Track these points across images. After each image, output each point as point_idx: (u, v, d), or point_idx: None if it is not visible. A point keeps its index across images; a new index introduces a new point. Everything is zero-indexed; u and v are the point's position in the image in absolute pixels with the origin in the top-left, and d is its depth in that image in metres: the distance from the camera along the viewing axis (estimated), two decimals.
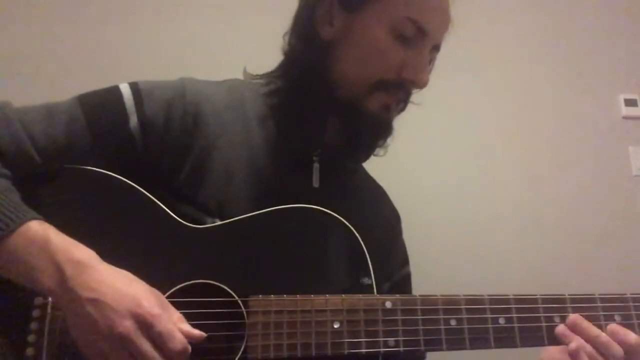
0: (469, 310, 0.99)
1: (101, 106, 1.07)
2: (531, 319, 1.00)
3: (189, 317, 0.93)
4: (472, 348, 0.98)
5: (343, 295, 1.00)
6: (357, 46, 1.10)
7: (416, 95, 1.17)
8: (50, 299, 0.94)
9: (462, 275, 1.88)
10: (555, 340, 1.00)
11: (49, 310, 0.94)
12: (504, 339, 0.99)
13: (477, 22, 2.09)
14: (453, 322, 0.99)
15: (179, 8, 1.95)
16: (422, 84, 1.12)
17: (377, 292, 1.04)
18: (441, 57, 1.20)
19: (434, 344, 0.98)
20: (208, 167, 1.09)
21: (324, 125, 1.16)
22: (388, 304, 1.00)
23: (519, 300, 1.01)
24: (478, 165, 2.10)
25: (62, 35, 1.83)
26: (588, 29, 2.36)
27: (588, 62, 2.33)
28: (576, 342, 0.97)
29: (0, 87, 1.67)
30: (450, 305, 1.00)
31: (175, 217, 1.03)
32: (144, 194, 1.03)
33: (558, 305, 1.01)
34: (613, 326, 1.00)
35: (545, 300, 1.01)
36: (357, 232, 1.06)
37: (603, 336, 0.97)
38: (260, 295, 0.99)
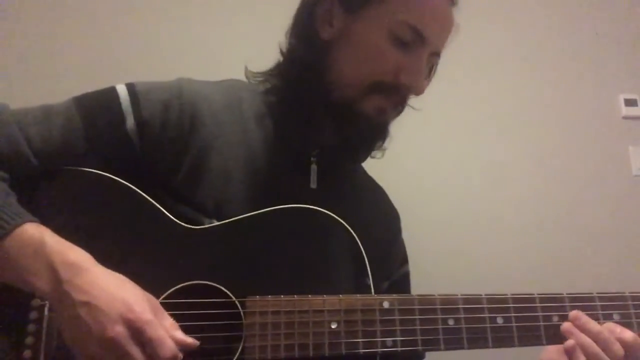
0: (466, 310, 0.99)
1: (97, 107, 1.07)
2: (529, 319, 1.00)
3: (186, 318, 0.94)
4: (469, 348, 0.97)
5: (341, 295, 1.00)
6: (355, 48, 1.10)
7: (417, 97, 1.16)
8: (47, 301, 0.94)
9: (462, 275, 1.87)
10: (553, 340, 1.00)
11: (46, 312, 0.94)
12: (502, 339, 0.99)
13: (477, 22, 2.09)
14: (451, 322, 0.99)
15: (179, 8, 1.94)
16: (417, 90, 1.11)
17: (376, 292, 1.04)
18: (442, 57, 1.18)
19: (432, 344, 0.98)
20: (205, 168, 1.09)
21: (321, 126, 1.15)
22: (386, 304, 0.99)
23: (517, 299, 1.01)
24: (478, 165, 2.09)
25: (62, 35, 1.82)
26: (588, 29, 2.35)
27: (588, 62, 2.32)
28: (573, 339, 0.97)
29: None
30: (448, 304, 1.00)
31: (172, 217, 1.03)
32: (141, 195, 1.03)
33: (556, 304, 1.01)
34: (610, 324, 0.99)
35: (543, 300, 1.01)
36: (355, 232, 1.06)
37: (605, 333, 0.97)
38: (258, 296, 0.98)
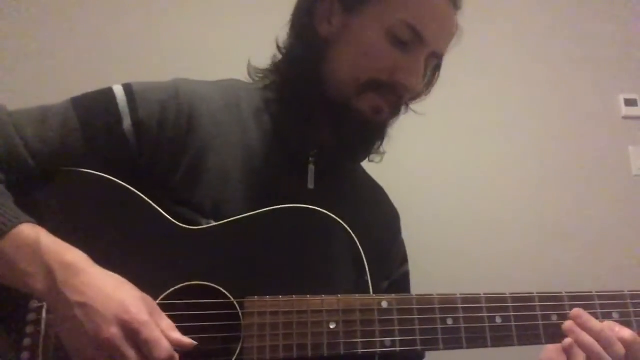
0: (465, 310, 0.99)
1: (94, 108, 1.07)
2: (528, 318, 1.00)
3: (184, 319, 0.94)
4: (468, 347, 0.97)
5: (339, 295, 0.99)
6: (352, 45, 1.10)
7: (418, 100, 1.17)
8: (45, 302, 0.94)
9: (462, 275, 1.87)
10: (553, 339, 1.00)
11: (44, 314, 0.94)
12: (501, 338, 0.99)
13: (477, 22, 2.08)
14: (450, 322, 0.98)
15: (178, 7, 1.95)
16: (412, 90, 1.11)
17: (375, 292, 1.04)
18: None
19: (431, 344, 0.97)
20: (203, 168, 1.08)
21: (319, 126, 1.15)
22: (384, 304, 0.99)
23: (516, 298, 1.01)
24: (478, 166, 2.09)
25: (60, 35, 1.83)
26: (588, 29, 2.35)
27: (588, 62, 2.33)
28: (574, 338, 0.97)
29: None
30: (447, 304, 0.99)
31: (170, 218, 1.03)
32: (139, 195, 1.03)
33: (555, 303, 1.01)
34: (609, 323, 0.99)
35: (543, 299, 1.00)
36: (354, 232, 1.06)
37: (607, 331, 0.97)
38: (256, 296, 0.98)
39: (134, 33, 1.89)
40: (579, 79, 2.30)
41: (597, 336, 0.96)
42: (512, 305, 1.00)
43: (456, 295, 1.00)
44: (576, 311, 1.00)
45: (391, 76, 1.08)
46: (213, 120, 1.12)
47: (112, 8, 1.89)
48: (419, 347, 0.97)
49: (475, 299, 1.00)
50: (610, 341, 0.96)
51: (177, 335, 0.88)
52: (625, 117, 2.31)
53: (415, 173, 2.00)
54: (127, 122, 1.06)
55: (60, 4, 1.85)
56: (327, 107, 1.12)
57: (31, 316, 0.94)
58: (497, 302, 1.00)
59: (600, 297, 1.01)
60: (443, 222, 1.99)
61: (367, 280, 1.04)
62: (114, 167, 1.04)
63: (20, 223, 0.90)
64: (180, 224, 1.03)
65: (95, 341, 0.82)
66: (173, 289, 0.98)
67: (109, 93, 1.08)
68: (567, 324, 0.99)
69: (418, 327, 0.98)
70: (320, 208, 1.06)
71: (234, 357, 0.95)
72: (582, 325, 0.98)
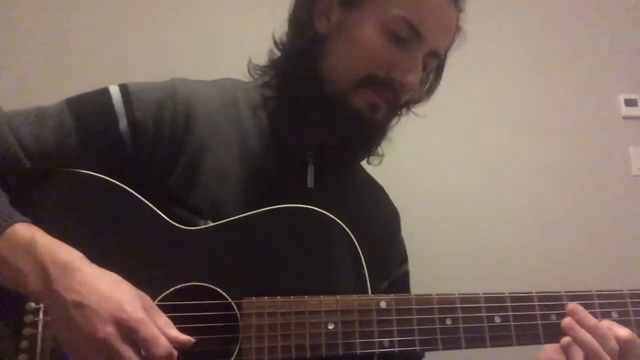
0: (464, 309, 0.99)
1: (90, 109, 1.06)
2: (527, 317, 1.00)
3: (182, 320, 0.93)
4: (467, 347, 0.97)
5: (337, 295, 0.99)
6: (349, 40, 1.09)
7: (418, 103, 1.17)
8: (42, 304, 0.93)
9: (462, 275, 1.87)
10: (552, 338, 0.99)
11: (41, 315, 0.93)
12: (500, 338, 0.98)
13: (477, 22, 2.07)
14: (448, 322, 0.98)
15: (177, 7, 1.94)
16: (409, 87, 1.10)
17: (374, 292, 1.04)
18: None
19: (430, 344, 0.97)
20: (200, 169, 1.08)
21: (317, 126, 1.14)
22: (383, 304, 0.99)
23: (515, 298, 1.00)
24: (478, 165, 2.09)
25: (58, 35, 1.83)
26: (588, 29, 2.35)
27: (588, 62, 2.33)
28: (572, 335, 0.97)
29: None
30: (446, 304, 0.99)
31: (167, 219, 1.02)
32: (136, 196, 1.02)
33: (555, 302, 1.00)
34: (605, 322, 0.99)
35: (542, 298, 1.00)
36: (353, 232, 1.05)
37: (602, 328, 0.96)
38: (254, 297, 0.98)
39: (133, 33, 1.89)
40: (578, 79, 2.30)
41: (593, 332, 0.96)
42: (511, 305, 1.00)
43: (455, 295, 1.00)
44: (573, 306, 1.00)
45: (388, 72, 1.07)
46: (210, 119, 1.11)
47: (111, 8, 1.89)
48: (417, 348, 0.97)
49: (474, 298, 1.00)
50: (605, 337, 0.95)
51: (174, 333, 0.87)
52: (625, 117, 2.31)
53: (415, 173, 2.00)
54: (122, 123, 1.05)
55: (58, 4, 1.85)
56: (324, 103, 1.11)
57: (28, 318, 0.93)
58: (496, 302, 1.00)
59: (600, 297, 1.01)
60: (443, 222, 1.99)
61: (366, 281, 1.04)
62: (111, 167, 1.04)
63: (14, 223, 0.90)
64: (178, 225, 1.02)
65: (92, 341, 0.82)
66: (171, 289, 0.98)
67: (104, 93, 1.08)
68: (566, 321, 0.99)
69: (417, 327, 0.98)
70: (320, 207, 1.05)
71: (232, 358, 0.95)
72: (580, 321, 0.98)
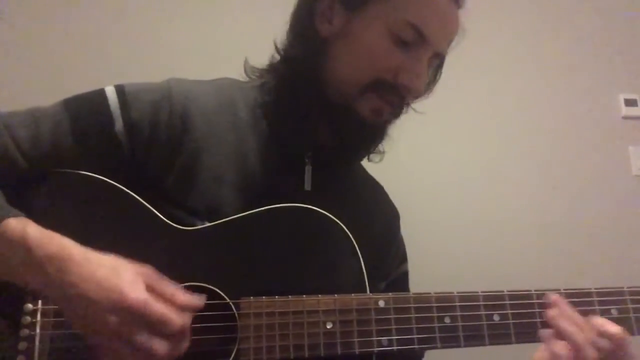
0: (462, 308, 0.98)
1: (86, 110, 1.06)
2: (526, 315, 0.99)
3: None
4: (466, 345, 0.96)
5: (336, 295, 0.99)
6: (354, 46, 1.08)
7: (418, 99, 1.16)
8: (39, 305, 0.94)
9: (462, 275, 1.87)
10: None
11: (38, 317, 0.93)
12: (499, 336, 0.98)
13: (477, 21, 2.07)
14: (447, 320, 0.98)
15: (175, 7, 1.94)
16: (415, 91, 1.10)
17: (373, 292, 1.03)
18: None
19: (428, 342, 0.97)
20: (197, 170, 1.07)
21: (316, 127, 1.14)
22: (381, 303, 0.99)
23: (514, 296, 1.00)
24: (477, 165, 2.09)
25: (55, 36, 1.82)
26: (588, 29, 2.35)
27: (588, 62, 2.33)
28: (554, 324, 0.96)
29: None
30: (444, 302, 0.99)
31: (165, 219, 1.02)
32: (133, 197, 1.02)
33: None
34: (598, 319, 0.97)
35: (541, 296, 1.00)
36: (351, 232, 1.05)
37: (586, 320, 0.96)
38: (252, 297, 0.97)
39: (132, 33, 1.88)
40: (578, 79, 2.30)
41: (578, 325, 0.95)
42: (510, 303, 1.00)
43: (453, 293, 1.00)
44: (556, 297, 0.99)
45: (394, 77, 1.07)
46: (207, 120, 1.11)
47: (109, 8, 1.88)
48: (416, 346, 0.96)
49: (472, 297, 1.00)
50: (591, 330, 0.94)
51: (184, 298, 0.88)
52: (625, 117, 2.31)
53: (415, 173, 2.00)
54: (118, 124, 1.05)
55: (56, 4, 1.85)
56: (327, 107, 1.12)
57: (26, 319, 0.93)
58: (494, 300, 1.00)
59: (599, 294, 1.01)
60: (443, 221, 1.99)
61: (364, 280, 1.03)
62: (107, 168, 1.03)
63: (6, 217, 0.90)
64: (175, 225, 1.02)
65: (103, 333, 0.83)
66: None
67: (100, 94, 1.08)
68: (551, 312, 0.98)
69: (415, 326, 0.97)
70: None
71: (231, 359, 0.95)
72: (563, 313, 0.97)
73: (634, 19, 2.40)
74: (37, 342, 0.92)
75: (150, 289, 0.87)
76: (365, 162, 1.29)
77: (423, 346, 0.97)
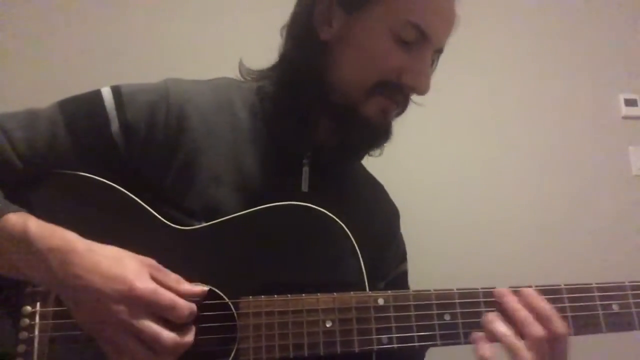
0: (462, 305, 0.97)
1: (82, 112, 1.06)
2: None
3: None
4: (467, 342, 0.95)
5: (335, 293, 0.98)
6: (356, 49, 1.08)
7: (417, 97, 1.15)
8: (38, 308, 0.94)
9: (462, 275, 1.85)
10: None
11: (37, 319, 0.93)
12: None
13: (477, 21, 2.09)
14: (447, 317, 0.97)
15: (174, 6, 1.95)
16: (422, 91, 1.09)
17: (372, 290, 1.03)
18: (441, 57, 1.18)
19: (428, 340, 0.96)
20: (195, 171, 1.07)
21: (315, 128, 1.14)
22: (380, 301, 0.98)
23: (513, 292, 0.99)
24: (477, 165, 2.10)
25: (53, 36, 1.83)
26: (588, 29, 2.36)
27: (588, 62, 2.33)
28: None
29: None
30: (444, 299, 0.98)
31: (162, 219, 1.02)
32: (131, 197, 1.02)
33: (554, 295, 0.98)
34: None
35: (540, 292, 0.98)
36: (349, 231, 1.04)
37: (522, 310, 0.93)
38: (251, 297, 0.97)
39: (130, 33, 1.88)
40: (578, 79, 2.31)
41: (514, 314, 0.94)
42: None
43: (453, 290, 0.99)
44: (499, 291, 0.98)
45: (398, 77, 1.07)
46: (204, 121, 1.10)
47: (108, 8, 1.89)
48: (416, 344, 0.95)
49: (472, 293, 0.99)
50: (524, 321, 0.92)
51: (188, 287, 0.92)
52: (625, 117, 2.32)
53: (415, 172, 2.00)
54: (114, 125, 1.05)
55: (54, 4, 1.85)
56: (331, 111, 1.11)
57: (24, 322, 0.93)
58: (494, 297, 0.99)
59: (600, 289, 1.00)
60: (443, 222, 1.99)
61: (363, 278, 1.03)
62: (104, 169, 1.03)
63: (6, 213, 0.91)
64: (172, 225, 1.02)
65: (110, 323, 0.84)
66: None
67: (96, 96, 1.07)
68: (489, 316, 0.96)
69: (415, 323, 0.96)
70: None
71: (230, 358, 0.94)
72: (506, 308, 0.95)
73: (634, 19, 2.41)
74: (35, 345, 0.92)
75: (153, 278, 0.88)
76: (365, 159, 1.28)
77: (423, 343, 0.96)
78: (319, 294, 0.98)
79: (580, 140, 2.22)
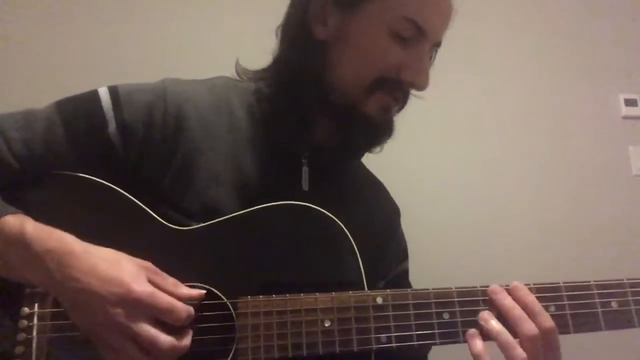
0: (461, 303, 0.97)
1: (79, 112, 1.05)
2: None
3: None
4: (466, 341, 0.95)
5: (333, 293, 0.98)
6: (353, 48, 1.08)
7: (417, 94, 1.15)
8: (36, 309, 0.93)
9: (462, 275, 1.83)
10: None
11: (35, 321, 0.93)
12: None
13: (477, 21, 2.10)
14: (446, 316, 0.97)
15: (173, 7, 1.95)
16: (421, 86, 1.09)
17: (371, 289, 1.03)
18: (441, 57, 1.18)
19: (427, 338, 0.95)
20: (193, 172, 1.07)
21: (314, 127, 1.14)
22: (379, 300, 0.98)
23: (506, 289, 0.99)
24: (477, 165, 2.09)
25: (50, 36, 1.82)
26: (588, 29, 2.36)
27: (588, 62, 2.33)
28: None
29: None
30: (443, 298, 0.98)
31: (161, 219, 1.02)
32: (128, 197, 1.02)
33: (553, 294, 0.98)
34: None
35: (540, 290, 0.98)
36: (349, 231, 1.04)
37: (517, 309, 0.93)
38: (249, 297, 0.97)
39: (128, 33, 1.88)
40: (578, 79, 2.30)
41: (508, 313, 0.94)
42: None
43: (452, 289, 0.99)
44: (492, 289, 0.97)
45: (397, 73, 1.06)
46: (202, 121, 1.10)
47: (106, 8, 1.89)
48: (415, 343, 0.95)
49: (471, 292, 0.99)
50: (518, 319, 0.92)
51: (185, 291, 0.92)
52: (625, 117, 2.31)
53: (414, 171, 2.00)
54: (112, 126, 1.04)
55: (52, 4, 1.85)
56: (331, 110, 1.11)
57: (22, 323, 0.93)
58: None
59: (599, 287, 0.99)
60: (442, 221, 1.98)
61: (362, 278, 1.02)
62: (102, 170, 1.03)
63: (3, 215, 0.91)
64: (171, 225, 1.02)
65: (107, 326, 0.83)
66: None
67: (93, 96, 1.07)
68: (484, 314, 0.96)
69: (414, 322, 0.96)
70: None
71: (228, 359, 0.94)
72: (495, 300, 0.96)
73: (634, 19, 2.40)
74: (34, 346, 0.92)
75: (151, 282, 0.88)
76: (365, 157, 1.28)
77: (422, 342, 0.95)
78: (317, 294, 0.98)
79: (580, 140, 2.21)
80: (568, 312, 0.97)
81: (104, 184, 1.02)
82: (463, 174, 2.06)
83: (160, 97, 1.08)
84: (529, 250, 2.01)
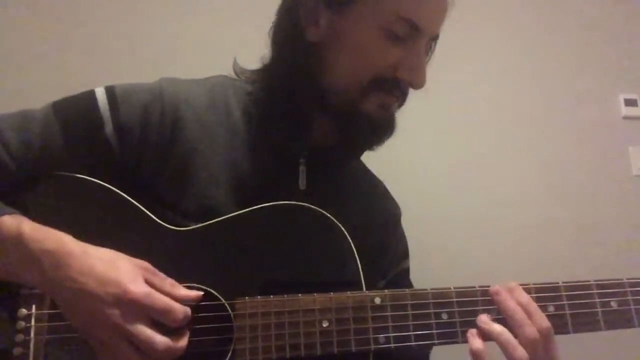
0: (460, 303, 0.97)
1: (76, 113, 1.05)
2: None
3: None
4: (464, 341, 0.95)
5: (331, 293, 0.98)
6: (348, 48, 1.06)
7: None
8: (34, 310, 0.93)
9: (462, 274, 1.84)
10: None
11: (32, 322, 0.93)
12: None
13: (477, 20, 2.09)
14: (444, 316, 0.96)
15: (172, 6, 1.94)
16: (419, 84, 1.07)
17: (369, 289, 1.02)
18: (441, 57, 1.17)
19: (426, 339, 0.95)
20: (190, 172, 1.06)
21: (310, 127, 1.13)
22: (377, 300, 0.97)
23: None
24: (477, 164, 2.09)
25: (49, 36, 1.82)
26: (588, 29, 2.35)
27: (588, 62, 2.33)
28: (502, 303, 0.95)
29: None
30: (441, 298, 0.98)
31: (158, 220, 1.01)
32: (126, 198, 1.01)
33: (552, 294, 0.98)
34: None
35: (539, 290, 0.98)
36: (347, 230, 1.04)
37: (519, 312, 0.93)
38: (247, 297, 0.97)
39: (127, 33, 1.87)
40: (579, 79, 2.30)
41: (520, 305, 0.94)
42: None
43: (450, 289, 0.98)
44: (495, 289, 0.97)
45: (393, 73, 1.05)
46: (199, 121, 1.09)
47: (105, 8, 1.88)
48: (413, 343, 0.95)
49: (470, 292, 0.98)
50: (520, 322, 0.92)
51: (183, 292, 0.92)
52: (625, 117, 2.31)
53: (414, 171, 2.00)
54: (108, 127, 1.04)
55: (51, 4, 1.85)
56: (329, 112, 1.10)
57: (20, 324, 0.92)
58: None
59: (598, 286, 0.99)
60: (442, 221, 1.97)
61: (360, 278, 1.02)
62: (99, 171, 1.03)
63: (2, 215, 0.91)
64: (168, 225, 1.01)
65: (104, 326, 0.83)
66: None
67: (90, 97, 1.06)
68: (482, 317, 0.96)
69: (412, 322, 0.96)
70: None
71: (226, 359, 0.94)
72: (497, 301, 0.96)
73: (634, 19, 2.40)
74: (31, 347, 0.92)
75: (148, 282, 0.88)
76: (364, 156, 1.27)
77: (420, 342, 0.95)
78: (315, 294, 0.98)
79: (580, 140, 2.21)
80: (567, 312, 0.97)
81: (101, 184, 1.01)
82: (463, 173, 2.06)
83: (157, 97, 1.07)
84: (528, 250, 2.01)
